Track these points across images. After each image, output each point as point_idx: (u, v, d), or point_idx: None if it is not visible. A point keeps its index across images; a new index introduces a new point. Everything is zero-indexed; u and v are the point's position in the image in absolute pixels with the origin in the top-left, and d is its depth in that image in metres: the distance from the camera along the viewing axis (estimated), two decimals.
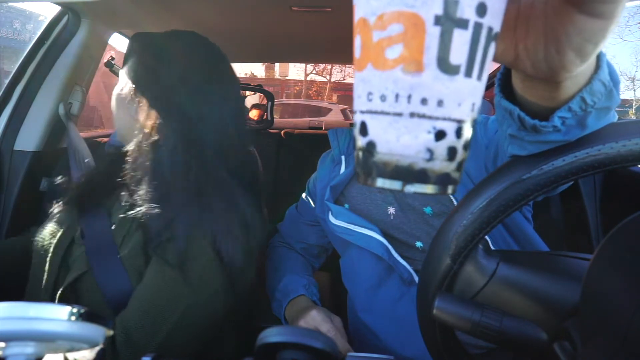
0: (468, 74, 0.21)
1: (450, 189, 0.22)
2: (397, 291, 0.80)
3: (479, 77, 0.22)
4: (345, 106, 8.62)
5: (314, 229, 0.99)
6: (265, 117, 2.36)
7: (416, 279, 0.78)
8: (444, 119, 0.21)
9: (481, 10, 0.21)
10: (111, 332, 0.34)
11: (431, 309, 0.41)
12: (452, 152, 0.22)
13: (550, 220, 1.19)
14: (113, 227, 0.71)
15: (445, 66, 0.21)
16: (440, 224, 0.75)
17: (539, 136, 0.37)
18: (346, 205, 0.86)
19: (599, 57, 0.33)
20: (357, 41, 0.23)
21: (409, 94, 0.21)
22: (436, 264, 0.43)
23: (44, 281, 0.70)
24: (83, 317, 0.31)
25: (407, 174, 0.22)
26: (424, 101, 0.21)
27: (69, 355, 0.34)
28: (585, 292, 0.35)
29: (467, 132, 0.22)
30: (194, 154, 0.68)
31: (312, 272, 1.01)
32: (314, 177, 1.00)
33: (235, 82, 0.78)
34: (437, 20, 0.20)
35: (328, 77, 17.36)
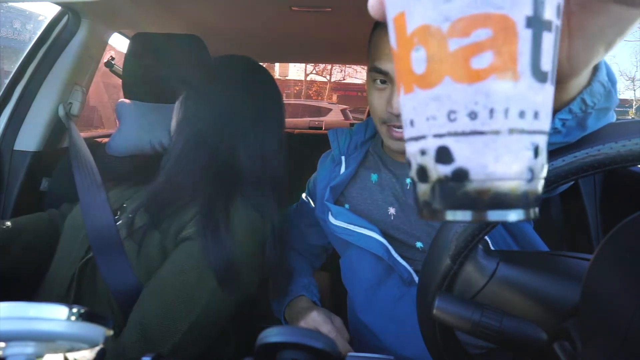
0: (552, 80, 0.20)
1: (534, 213, 0.20)
2: (397, 291, 0.80)
3: (554, 81, 0.20)
4: (345, 106, 8.62)
5: (314, 229, 0.99)
6: None
7: (416, 279, 0.78)
8: (540, 132, 0.19)
9: (558, 11, 0.19)
10: (111, 332, 0.34)
11: (431, 309, 0.41)
12: (544, 169, 0.20)
13: (550, 220, 1.19)
14: (119, 222, 0.73)
15: (537, 73, 0.19)
16: (440, 225, 0.75)
17: None
18: (346, 206, 0.86)
19: None
20: (418, 54, 0.20)
21: (506, 107, 0.18)
22: (436, 264, 0.43)
23: (71, 256, 0.73)
24: (83, 317, 0.31)
25: (509, 199, 0.19)
26: (521, 114, 0.19)
27: (69, 355, 0.34)
28: (585, 292, 0.35)
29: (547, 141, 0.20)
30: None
31: (312, 272, 1.01)
32: (313, 178, 1.00)
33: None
34: (529, 23, 0.18)
35: (328, 77, 17.36)
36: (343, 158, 0.92)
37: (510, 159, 0.18)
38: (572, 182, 0.39)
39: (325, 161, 0.98)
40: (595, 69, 0.33)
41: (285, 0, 1.05)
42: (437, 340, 0.46)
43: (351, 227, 0.82)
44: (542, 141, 0.19)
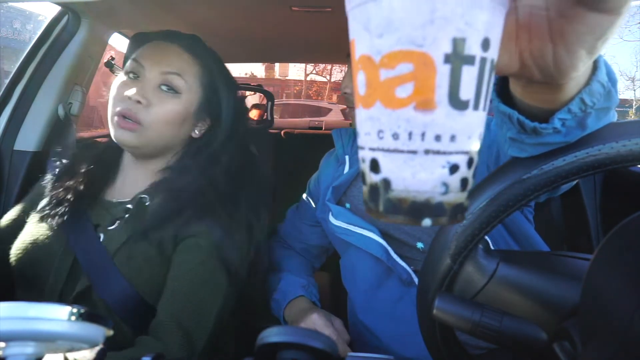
0: (476, 107, 0.22)
1: (460, 217, 0.23)
2: (397, 292, 0.80)
3: (485, 108, 0.23)
4: (345, 106, 8.59)
5: (314, 229, 0.98)
6: (265, 117, 2.36)
7: (415, 280, 0.78)
8: (457, 152, 0.22)
9: (486, 45, 0.21)
10: (111, 332, 0.34)
11: (431, 309, 0.41)
12: (464, 183, 0.23)
13: (550, 220, 1.19)
14: (102, 239, 0.71)
15: (456, 102, 0.21)
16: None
17: (540, 138, 0.37)
18: (347, 205, 0.86)
19: (597, 58, 0.33)
20: (361, 77, 0.23)
21: (423, 131, 0.21)
22: (436, 264, 0.43)
23: (49, 285, 0.70)
24: (83, 317, 0.31)
25: (424, 208, 0.22)
26: (437, 138, 0.21)
27: (69, 355, 0.34)
28: (585, 292, 0.35)
29: (476, 161, 0.23)
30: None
31: (312, 272, 1.01)
32: (315, 177, 1.00)
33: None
34: (447, 59, 0.20)
35: (328, 77, 17.35)
36: (347, 157, 0.92)
37: (425, 175, 0.22)
38: (574, 183, 0.39)
39: (329, 160, 0.98)
40: (595, 68, 0.33)
41: (285, 0, 1.05)
42: (437, 341, 0.46)
43: (351, 227, 0.82)
44: (462, 160, 0.22)
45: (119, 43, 1.39)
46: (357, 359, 0.38)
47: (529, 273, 0.42)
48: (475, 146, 0.23)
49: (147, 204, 0.72)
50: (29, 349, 0.30)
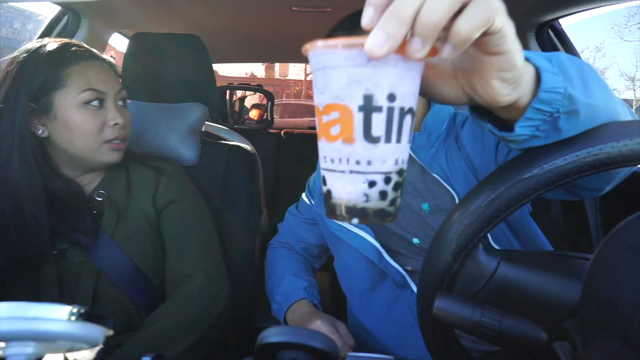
0: (387, 140, 0.30)
1: (389, 219, 0.32)
2: (391, 294, 0.80)
3: (398, 141, 0.31)
4: None
5: (314, 228, 0.98)
6: (265, 117, 2.36)
7: (409, 282, 0.78)
8: (373, 173, 0.31)
9: (392, 98, 0.29)
10: (111, 332, 0.34)
11: (431, 308, 0.41)
12: (383, 195, 0.31)
13: (550, 220, 1.19)
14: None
15: (369, 138, 0.30)
16: (436, 221, 0.75)
17: (522, 144, 0.39)
18: None
19: (540, 72, 0.36)
20: (316, 120, 0.32)
21: (348, 158, 0.31)
22: (437, 263, 0.43)
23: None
24: (83, 317, 0.31)
25: (353, 211, 0.31)
26: (357, 162, 0.30)
27: (69, 355, 0.34)
28: (585, 292, 0.35)
29: (395, 178, 0.31)
30: None
31: (312, 273, 1.01)
32: (314, 176, 1.00)
33: None
34: (360, 109, 0.29)
35: None
36: None
37: (351, 188, 0.31)
38: (630, 171, 0.39)
39: None
40: (539, 80, 0.36)
41: (285, 1, 1.05)
42: (436, 340, 0.46)
43: (346, 224, 0.82)
44: (378, 178, 0.31)
45: (119, 43, 1.39)
46: (357, 359, 0.38)
47: (529, 273, 0.42)
48: (390, 168, 0.31)
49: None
50: (29, 349, 0.30)
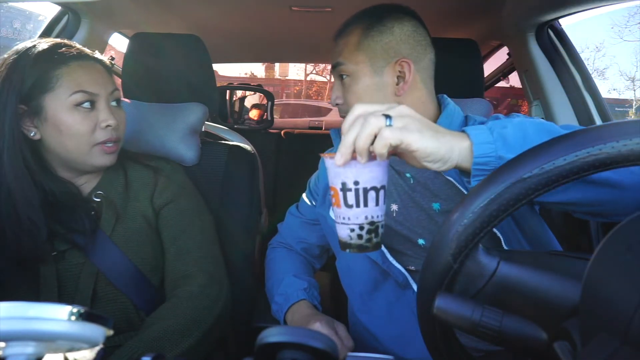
0: (357, 206, 0.49)
1: (369, 249, 0.51)
2: (393, 295, 0.80)
3: (365, 205, 0.49)
4: None
5: (314, 228, 0.98)
6: (265, 117, 2.36)
7: (411, 282, 0.78)
8: (352, 224, 0.50)
9: (356, 183, 0.48)
10: (111, 332, 0.34)
11: (431, 308, 0.41)
12: (359, 237, 0.50)
13: (550, 220, 1.19)
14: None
15: (346, 205, 0.49)
16: (442, 223, 0.75)
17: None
18: None
19: (473, 145, 0.49)
20: (328, 196, 0.66)
21: (339, 215, 0.51)
22: (437, 263, 0.43)
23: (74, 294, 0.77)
24: (83, 317, 0.31)
25: (345, 246, 0.51)
26: (343, 218, 0.50)
27: (69, 355, 0.34)
28: (585, 292, 0.35)
29: (367, 227, 0.50)
30: None
31: (313, 273, 1.01)
32: (315, 176, 1.00)
33: None
34: (341, 189, 0.49)
35: (328, 77, 17.34)
36: None
37: (342, 232, 0.51)
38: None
39: None
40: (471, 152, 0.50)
41: (285, 1, 1.05)
42: (436, 340, 0.46)
43: None
44: (356, 227, 0.50)
45: (119, 43, 1.39)
46: (357, 359, 0.38)
47: (529, 273, 0.42)
48: (363, 221, 0.49)
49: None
50: (29, 349, 0.30)
